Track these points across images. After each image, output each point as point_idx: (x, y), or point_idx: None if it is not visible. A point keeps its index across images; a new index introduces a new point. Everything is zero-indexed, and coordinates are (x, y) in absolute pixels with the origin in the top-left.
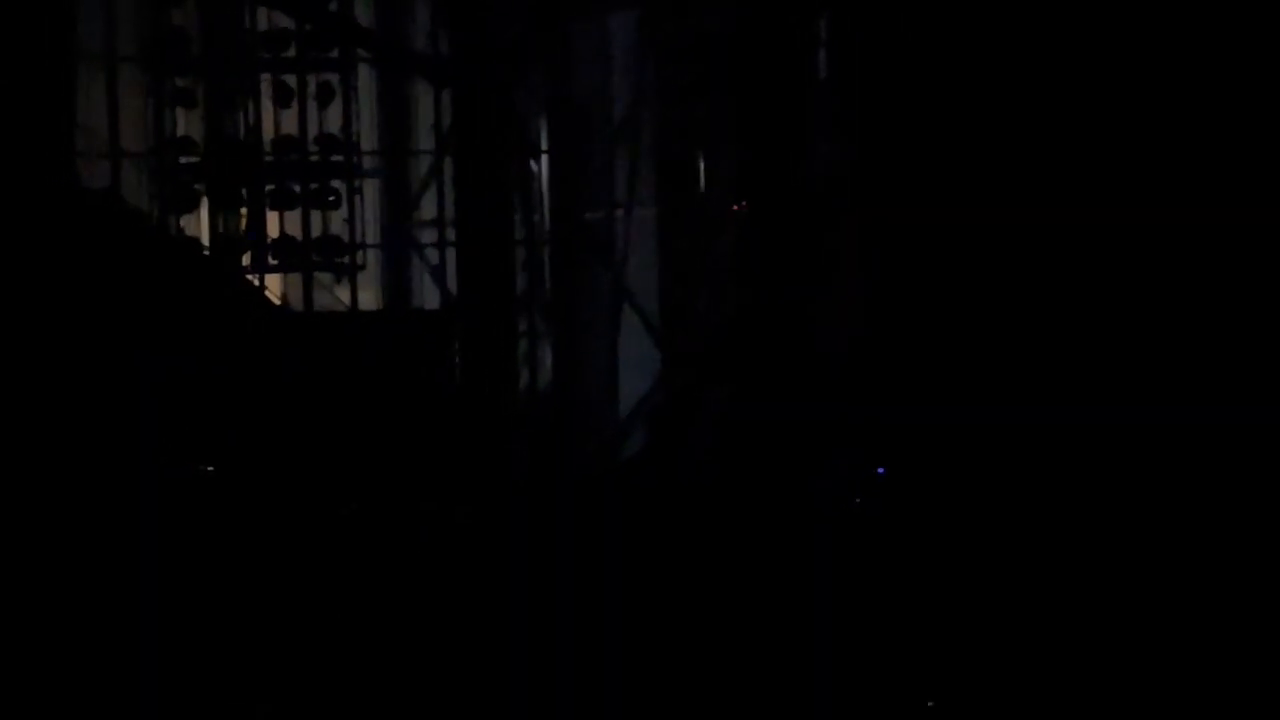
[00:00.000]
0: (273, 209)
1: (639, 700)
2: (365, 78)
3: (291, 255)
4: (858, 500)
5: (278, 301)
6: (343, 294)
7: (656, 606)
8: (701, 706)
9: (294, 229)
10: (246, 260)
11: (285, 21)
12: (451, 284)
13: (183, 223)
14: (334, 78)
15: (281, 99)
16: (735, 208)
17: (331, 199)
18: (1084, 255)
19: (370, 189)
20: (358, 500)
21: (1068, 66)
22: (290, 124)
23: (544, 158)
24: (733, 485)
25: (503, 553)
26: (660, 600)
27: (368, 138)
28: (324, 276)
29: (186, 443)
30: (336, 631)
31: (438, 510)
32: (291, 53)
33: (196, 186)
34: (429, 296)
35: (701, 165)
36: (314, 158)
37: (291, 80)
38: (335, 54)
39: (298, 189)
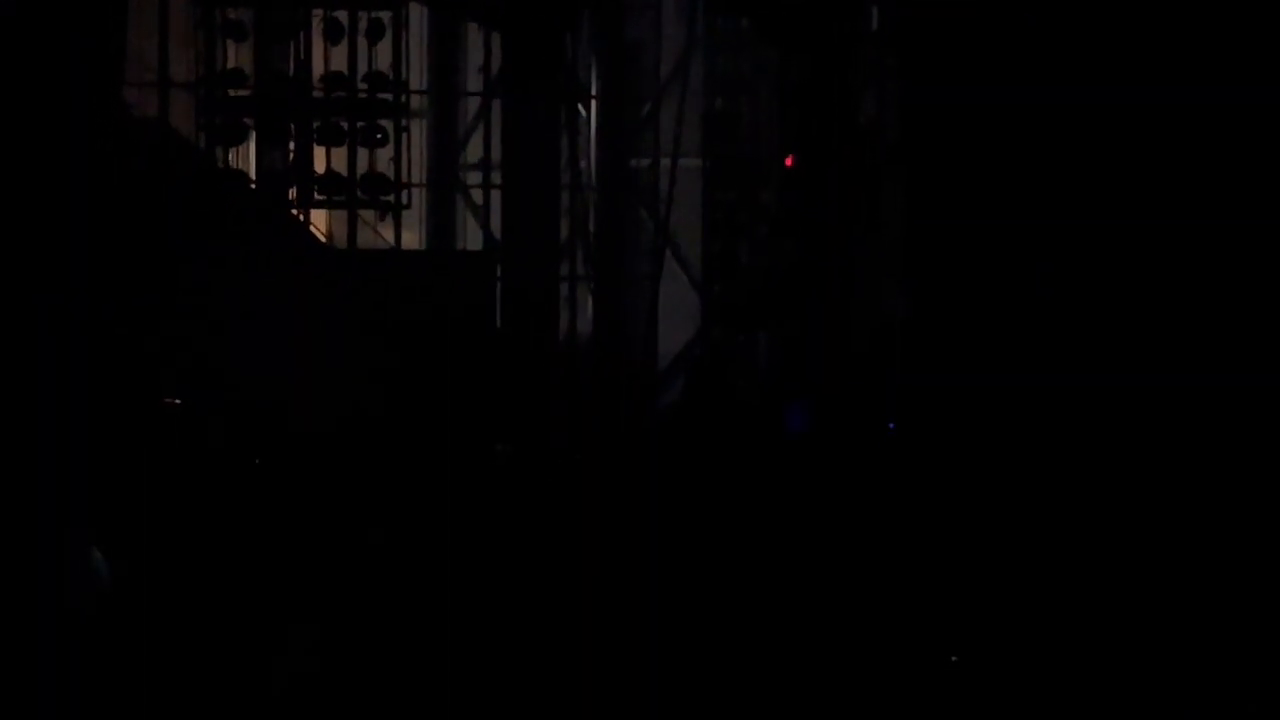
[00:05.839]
0: (320, 145)
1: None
2: (416, 16)
3: (337, 192)
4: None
5: (322, 238)
6: (386, 232)
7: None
8: None
9: (340, 166)
10: (292, 195)
11: None
12: (495, 227)
13: (230, 155)
14: (385, 15)
15: (332, 35)
16: (787, 162)
17: (379, 137)
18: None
19: (417, 128)
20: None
21: None
22: (340, 60)
23: (593, 104)
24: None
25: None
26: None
27: (416, 77)
28: (368, 214)
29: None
30: None
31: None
32: None
33: (245, 120)
34: (472, 238)
35: (748, 117)
36: (362, 95)
37: (343, 16)
38: None
39: (345, 126)
